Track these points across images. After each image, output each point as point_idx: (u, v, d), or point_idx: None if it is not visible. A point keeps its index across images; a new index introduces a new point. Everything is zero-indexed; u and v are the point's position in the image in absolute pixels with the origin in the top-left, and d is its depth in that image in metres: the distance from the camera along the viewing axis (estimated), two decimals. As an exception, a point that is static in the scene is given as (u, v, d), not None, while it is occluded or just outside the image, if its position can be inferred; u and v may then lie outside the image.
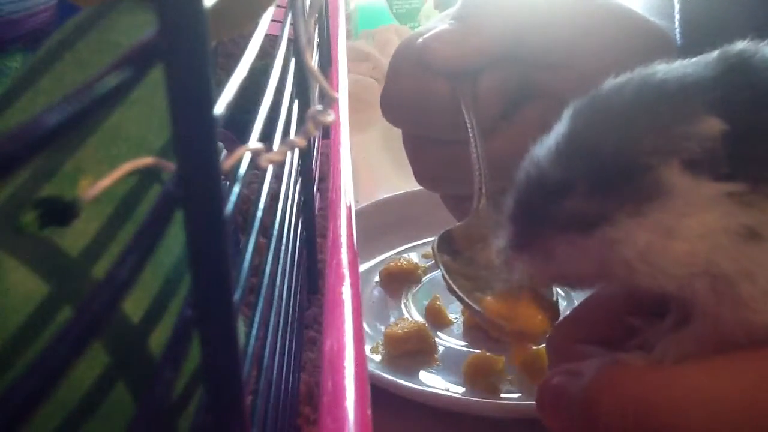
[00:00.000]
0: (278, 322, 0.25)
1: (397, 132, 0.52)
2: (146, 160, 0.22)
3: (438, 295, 0.62)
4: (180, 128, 0.13)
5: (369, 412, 0.23)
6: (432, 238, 0.47)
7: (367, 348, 0.58)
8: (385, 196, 0.77)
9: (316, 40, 0.44)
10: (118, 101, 0.11)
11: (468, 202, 0.47)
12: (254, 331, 0.19)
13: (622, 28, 0.47)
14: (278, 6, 0.31)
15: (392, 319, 0.62)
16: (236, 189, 0.17)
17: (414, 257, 0.69)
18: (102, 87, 0.11)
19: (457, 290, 0.43)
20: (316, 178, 0.43)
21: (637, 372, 0.31)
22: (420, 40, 0.48)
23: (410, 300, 0.65)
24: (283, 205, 0.27)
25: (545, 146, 0.33)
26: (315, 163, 0.42)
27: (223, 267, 0.14)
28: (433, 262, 0.64)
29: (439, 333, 0.60)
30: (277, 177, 0.26)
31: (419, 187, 0.53)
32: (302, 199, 0.36)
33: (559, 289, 0.61)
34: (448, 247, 0.46)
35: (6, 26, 0.51)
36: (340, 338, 0.26)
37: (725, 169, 0.29)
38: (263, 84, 0.24)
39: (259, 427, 0.20)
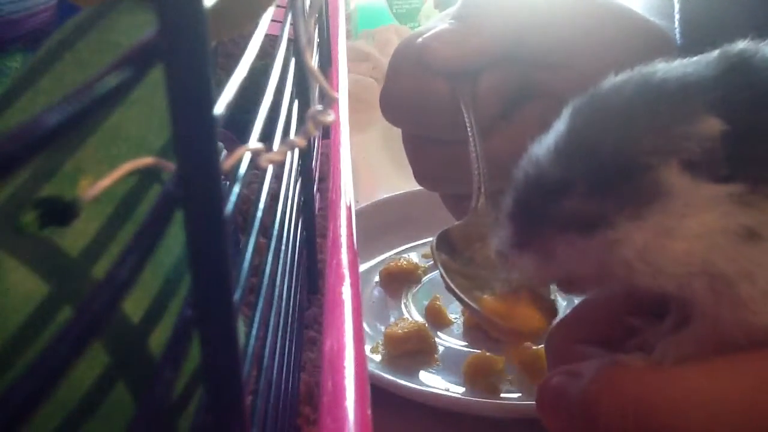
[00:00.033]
0: (278, 322, 0.25)
1: (397, 132, 0.52)
2: (146, 160, 0.22)
3: (438, 295, 0.62)
4: (180, 128, 0.13)
5: (369, 412, 0.23)
6: (432, 238, 0.47)
7: (367, 348, 0.58)
8: (385, 196, 0.77)
9: (316, 40, 0.44)
10: (118, 101, 0.11)
11: (467, 202, 0.47)
12: (254, 331, 0.19)
13: (622, 28, 0.47)
14: (278, 6, 0.31)
15: (392, 319, 0.62)
16: (236, 189, 0.17)
17: (414, 257, 0.69)
18: (102, 87, 0.11)
19: (454, 288, 0.43)
20: (316, 178, 0.43)
21: (637, 373, 0.31)
22: (420, 39, 0.48)
23: (410, 300, 0.65)
24: (283, 205, 0.27)
25: (544, 145, 0.33)
26: (315, 163, 0.42)
27: (223, 267, 0.14)
28: (433, 262, 0.64)
29: (439, 333, 0.60)
30: (277, 177, 0.26)
31: (419, 187, 0.53)
32: (302, 199, 0.36)
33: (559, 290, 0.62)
34: (447, 246, 0.46)
35: (6, 26, 0.51)
36: (340, 338, 0.26)
37: (725, 169, 0.29)
38: (263, 84, 0.24)
39: (259, 427, 0.20)
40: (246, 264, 0.18)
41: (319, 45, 0.47)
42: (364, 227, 0.58)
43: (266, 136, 0.22)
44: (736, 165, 0.29)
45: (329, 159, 0.46)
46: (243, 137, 0.20)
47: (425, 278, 0.67)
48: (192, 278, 0.14)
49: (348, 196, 0.38)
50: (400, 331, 0.58)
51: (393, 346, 0.57)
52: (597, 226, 0.31)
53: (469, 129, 0.46)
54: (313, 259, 0.39)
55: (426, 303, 0.63)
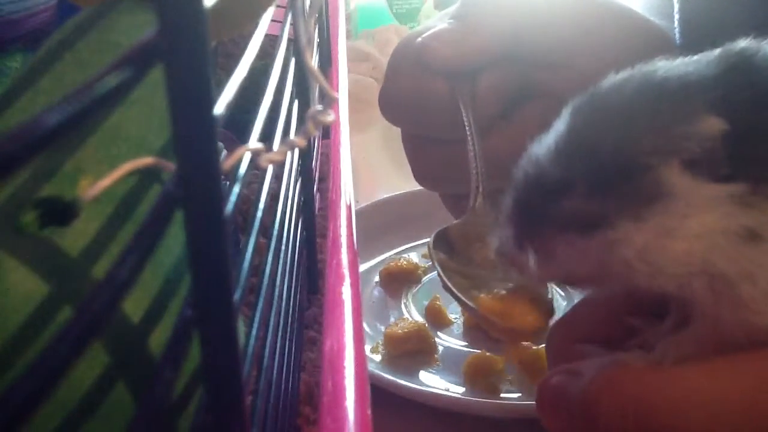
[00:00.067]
0: (278, 322, 0.25)
1: (397, 132, 0.52)
2: (146, 160, 0.22)
3: (438, 295, 0.62)
4: (180, 128, 0.13)
5: (369, 412, 0.23)
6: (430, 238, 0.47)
7: (367, 348, 0.58)
8: (385, 196, 0.77)
9: (316, 40, 0.44)
10: (118, 101, 0.11)
11: (467, 201, 0.47)
12: (254, 331, 0.19)
13: (622, 28, 0.47)
14: (278, 6, 0.31)
15: (392, 319, 0.62)
16: (236, 189, 0.17)
17: (414, 257, 0.69)
18: (102, 87, 0.11)
19: (451, 287, 0.43)
20: (316, 178, 0.43)
21: (637, 372, 0.31)
22: (419, 39, 0.48)
23: (410, 300, 0.65)
24: (283, 205, 0.27)
25: (544, 145, 0.33)
26: (315, 163, 0.42)
27: (223, 267, 0.14)
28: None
29: (439, 333, 0.60)
30: (277, 177, 0.26)
31: (419, 187, 0.53)
32: (302, 199, 0.36)
33: (558, 289, 0.62)
34: (445, 245, 0.46)
35: (6, 26, 0.50)
36: (340, 338, 0.26)
37: (725, 169, 0.29)
38: (263, 84, 0.24)
39: (259, 427, 0.20)
40: (246, 264, 0.18)
41: (319, 45, 0.47)
42: (364, 227, 0.58)
43: (266, 136, 0.22)
44: (737, 165, 0.29)
45: (329, 159, 0.46)
46: (243, 137, 0.20)
47: (425, 278, 0.67)
48: (192, 278, 0.14)
49: (348, 196, 0.38)
50: (400, 331, 0.58)
51: (393, 346, 0.57)
52: (597, 226, 0.31)
53: (467, 128, 0.46)
54: (313, 259, 0.39)
55: (426, 303, 0.63)
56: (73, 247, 0.22)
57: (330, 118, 0.22)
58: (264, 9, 0.29)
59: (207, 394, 0.15)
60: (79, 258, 0.22)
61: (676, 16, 0.49)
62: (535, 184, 0.33)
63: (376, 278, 0.67)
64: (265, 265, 0.22)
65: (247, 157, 0.18)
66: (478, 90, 0.47)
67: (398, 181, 0.81)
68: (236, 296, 0.15)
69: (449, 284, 0.43)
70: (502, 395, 0.53)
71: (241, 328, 0.16)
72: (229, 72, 0.16)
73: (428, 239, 0.46)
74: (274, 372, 0.23)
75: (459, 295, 0.42)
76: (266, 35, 0.22)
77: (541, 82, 0.47)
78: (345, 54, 0.57)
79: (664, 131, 0.30)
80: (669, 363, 0.31)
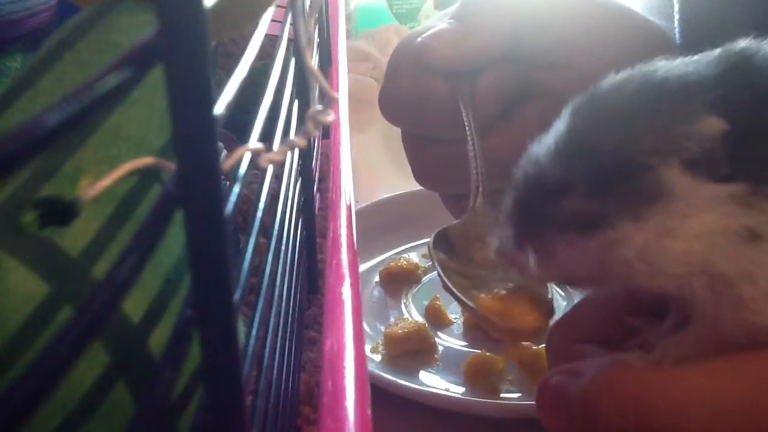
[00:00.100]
0: (278, 322, 0.25)
1: (397, 132, 0.52)
2: (146, 160, 0.22)
3: (438, 295, 0.62)
4: (180, 128, 0.13)
5: (369, 412, 0.23)
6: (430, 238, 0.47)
7: (367, 348, 0.58)
8: (385, 196, 0.77)
9: (316, 40, 0.44)
10: (118, 101, 0.11)
11: (467, 201, 0.47)
12: (254, 331, 0.19)
13: (621, 28, 0.47)
14: (278, 6, 0.31)
15: (392, 319, 0.62)
16: (236, 189, 0.17)
17: (414, 257, 0.69)
18: (102, 87, 0.11)
19: (451, 287, 0.43)
20: (316, 178, 0.43)
21: (637, 372, 0.31)
22: (419, 39, 0.48)
23: (410, 300, 0.65)
24: (283, 205, 0.27)
25: (544, 145, 0.33)
26: (315, 163, 0.42)
27: (223, 267, 0.14)
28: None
29: (439, 333, 0.60)
30: (277, 177, 0.26)
31: (419, 187, 0.53)
32: (302, 199, 0.36)
33: (559, 289, 0.62)
34: (445, 245, 0.46)
35: (6, 26, 0.51)
36: (340, 338, 0.26)
37: (725, 169, 0.29)
38: (263, 84, 0.24)
39: (259, 427, 0.20)
40: (246, 264, 0.18)
41: (319, 45, 0.47)
42: (364, 227, 0.58)
43: (266, 136, 0.22)
44: (737, 165, 0.29)
45: (329, 159, 0.46)
46: (243, 137, 0.20)
47: (425, 278, 0.67)
48: (192, 278, 0.14)
49: (348, 196, 0.38)
50: (400, 331, 0.58)
51: (393, 346, 0.57)
52: (597, 226, 0.31)
53: (467, 128, 0.46)
54: (313, 259, 0.39)
55: (426, 303, 0.63)
56: (73, 247, 0.22)
57: (330, 118, 0.22)
58: (264, 9, 0.29)
59: (207, 394, 0.15)
60: (79, 258, 0.22)
61: (676, 16, 0.49)
62: (535, 184, 0.33)
63: (376, 278, 0.67)
64: (265, 265, 0.22)
65: (247, 157, 0.18)
66: (477, 90, 0.47)
67: (398, 181, 0.81)
68: (236, 296, 0.15)
69: (449, 284, 0.43)
70: (502, 395, 0.53)
71: (241, 328, 0.16)
72: (229, 72, 0.16)
73: (428, 239, 0.46)
74: (274, 372, 0.23)
75: (459, 295, 0.42)
76: (266, 35, 0.22)
77: (541, 82, 0.47)
78: (345, 54, 0.57)
79: (664, 131, 0.30)
80: (669, 363, 0.31)
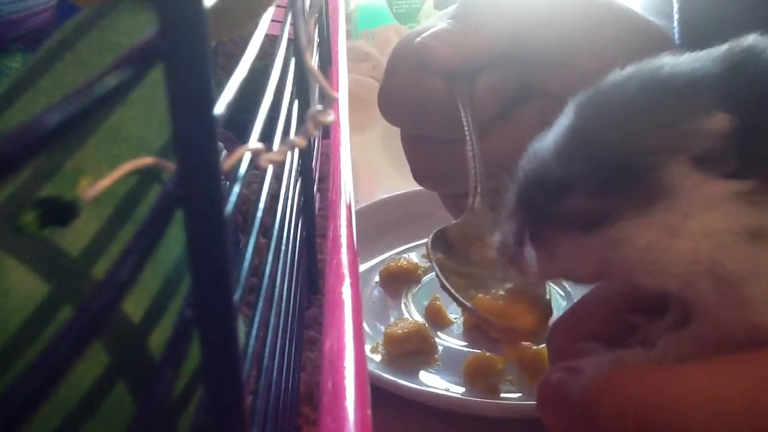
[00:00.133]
0: (278, 322, 0.25)
1: (397, 132, 0.52)
2: (146, 160, 0.22)
3: (438, 295, 0.62)
4: (180, 128, 0.13)
5: (369, 412, 0.23)
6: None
7: (367, 348, 0.58)
8: (385, 196, 0.77)
9: (316, 40, 0.44)
10: (118, 101, 0.11)
11: (466, 201, 0.47)
12: (254, 331, 0.19)
13: (622, 28, 0.47)
14: (278, 6, 0.31)
15: (392, 319, 0.62)
16: (236, 189, 0.17)
17: (414, 257, 0.69)
18: (102, 87, 0.11)
19: (449, 287, 0.43)
20: (316, 178, 0.43)
21: (637, 372, 0.31)
22: (418, 39, 0.48)
23: (410, 300, 0.65)
24: (283, 205, 0.27)
25: (547, 142, 0.33)
26: (315, 163, 0.42)
27: (223, 267, 0.14)
28: (431, 261, 0.64)
29: (439, 333, 0.60)
30: (277, 177, 0.26)
31: (419, 187, 0.53)
32: (302, 199, 0.36)
33: (558, 289, 0.62)
34: (444, 245, 0.46)
35: (6, 26, 0.51)
36: (340, 338, 0.26)
37: (734, 166, 0.28)
38: (263, 84, 0.24)
39: (259, 427, 0.20)
40: (246, 264, 0.18)
41: (319, 45, 0.47)
42: (364, 227, 0.58)
43: (266, 136, 0.22)
44: (745, 162, 0.28)
45: (329, 159, 0.46)
46: (243, 137, 0.20)
47: (425, 278, 0.67)
48: (192, 278, 0.14)
49: (348, 196, 0.38)
50: (400, 331, 0.58)
51: (393, 346, 0.57)
52: (600, 225, 0.31)
53: (466, 128, 0.46)
54: (313, 259, 0.39)
55: (426, 303, 0.63)
56: (73, 247, 0.22)
57: (330, 118, 0.22)
58: (264, 9, 0.29)
59: (207, 394, 0.15)
60: (79, 258, 0.22)
61: (676, 16, 0.49)
62: (538, 181, 0.33)
63: (376, 278, 0.67)
64: (265, 265, 0.22)
65: (247, 157, 0.18)
66: (477, 90, 0.47)
67: (398, 181, 0.81)
68: (236, 296, 0.15)
69: (447, 284, 0.43)
70: (501, 395, 0.53)
71: (241, 328, 0.16)
72: (229, 72, 0.16)
73: (428, 239, 0.46)
74: (274, 372, 0.23)
75: (456, 295, 0.42)
76: (266, 35, 0.22)
77: (540, 82, 0.47)
78: (345, 54, 0.57)
79: (670, 128, 0.29)
80: (669, 362, 0.31)
